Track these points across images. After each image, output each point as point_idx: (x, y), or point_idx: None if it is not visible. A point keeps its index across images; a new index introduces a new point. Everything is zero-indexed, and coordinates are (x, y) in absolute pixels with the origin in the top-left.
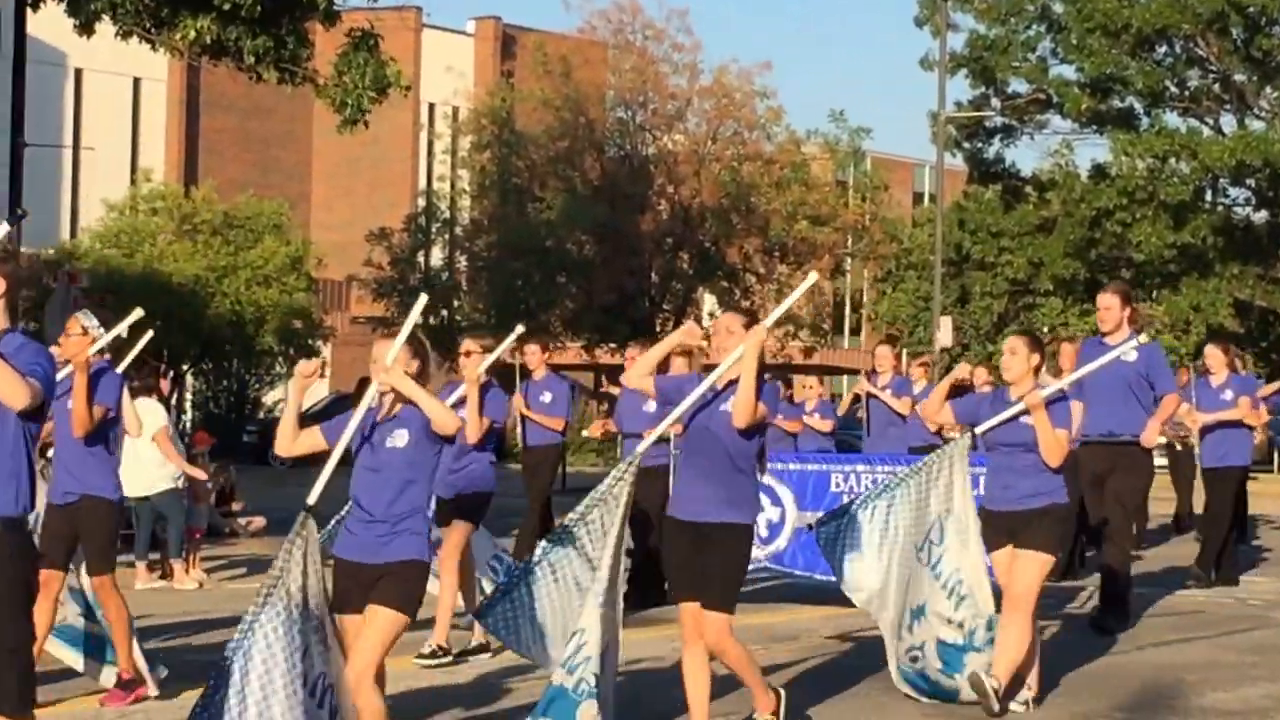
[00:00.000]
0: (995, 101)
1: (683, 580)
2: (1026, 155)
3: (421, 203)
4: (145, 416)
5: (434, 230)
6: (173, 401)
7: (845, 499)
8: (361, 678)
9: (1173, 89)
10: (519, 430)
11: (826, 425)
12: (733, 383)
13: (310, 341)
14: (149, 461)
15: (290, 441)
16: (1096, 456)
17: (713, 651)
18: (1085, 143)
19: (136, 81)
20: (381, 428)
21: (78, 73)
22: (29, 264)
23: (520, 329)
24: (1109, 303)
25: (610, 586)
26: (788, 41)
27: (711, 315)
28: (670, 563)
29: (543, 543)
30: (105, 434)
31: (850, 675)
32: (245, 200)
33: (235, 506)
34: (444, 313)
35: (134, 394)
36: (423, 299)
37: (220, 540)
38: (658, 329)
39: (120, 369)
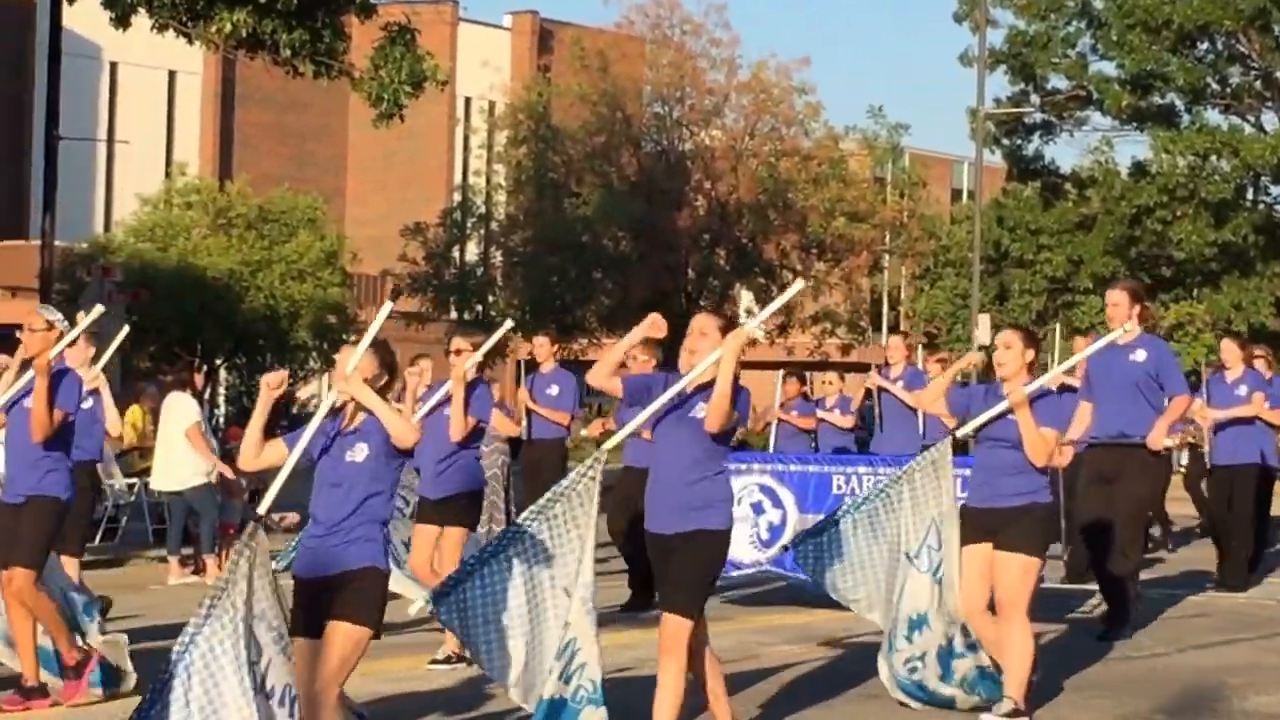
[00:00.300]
0: (1035, 98)
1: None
2: (1066, 152)
3: (457, 198)
4: (178, 411)
5: (469, 225)
6: (206, 396)
7: (847, 501)
8: (322, 697)
9: (1214, 86)
10: (524, 424)
11: (846, 421)
12: (703, 387)
13: (344, 336)
14: (181, 456)
15: (255, 455)
16: (1104, 458)
17: (662, 653)
18: (1125, 140)
19: (172, 75)
20: (342, 440)
21: (113, 66)
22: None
23: (509, 323)
24: (1117, 299)
25: (594, 591)
26: (826, 37)
27: (749, 312)
28: (656, 576)
29: (500, 535)
30: (63, 437)
31: (847, 679)
32: (280, 194)
33: None
34: (479, 308)
35: (168, 389)
36: (388, 305)
37: None
38: None
39: (99, 365)
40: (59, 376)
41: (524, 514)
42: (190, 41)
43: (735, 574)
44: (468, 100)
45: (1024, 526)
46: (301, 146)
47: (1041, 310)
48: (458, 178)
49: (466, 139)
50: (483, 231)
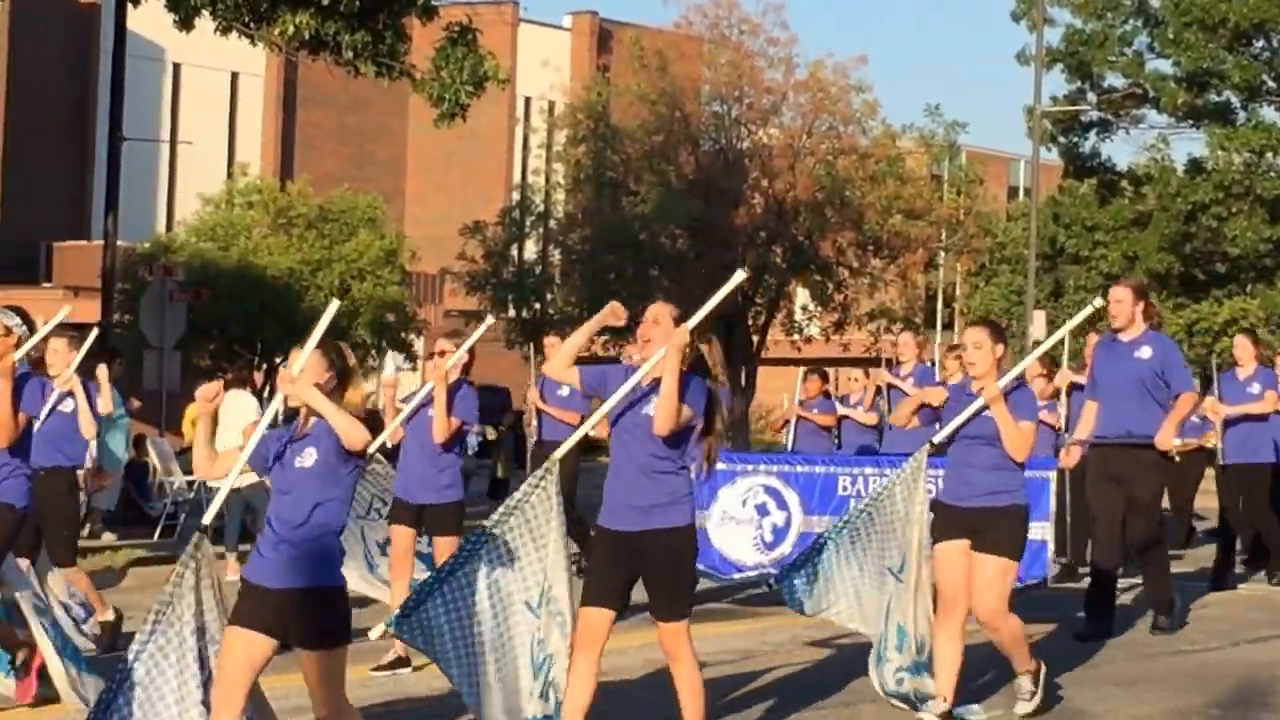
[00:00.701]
0: (1091, 96)
1: (598, 588)
2: (1122, 150)
3: (516, 197)
4: (237, 409)
5: (528, 224)
6: (265, 394)
7: (853, 502)
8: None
9: (1269, 83)
10: (534, 424)
11: (871, 418)
12: (659, 381)
13: (403, 334)
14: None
15: (208, 465)
16: (1111, 458)
17: (669, 659)
18: (1181, 137)
19: (234, 76)
20: (293, 446)
21: (176, 67)
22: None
23: (490, 319)
24: (1121, 296)
25: (568, 602)
26: (883, 36)
27: (804, 309)
28: (592, 567)
29: (458, 552)
30: (24, 443)
31: (847, 681)
32: (340, 194)
33: None
34: (537, 306)
35: (227, 386)
36: (334, 304)
37: None
38: (749, 322)
39: (72, 367)
40: (22, 380)
41: (481, 526)
42: (253, 43)
43: (738, 576)
44: (527, 100)
45: (1003, 528)
46: (362, 147)
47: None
48: (517, 177)
49: (526, 138)
50: (541, 230)
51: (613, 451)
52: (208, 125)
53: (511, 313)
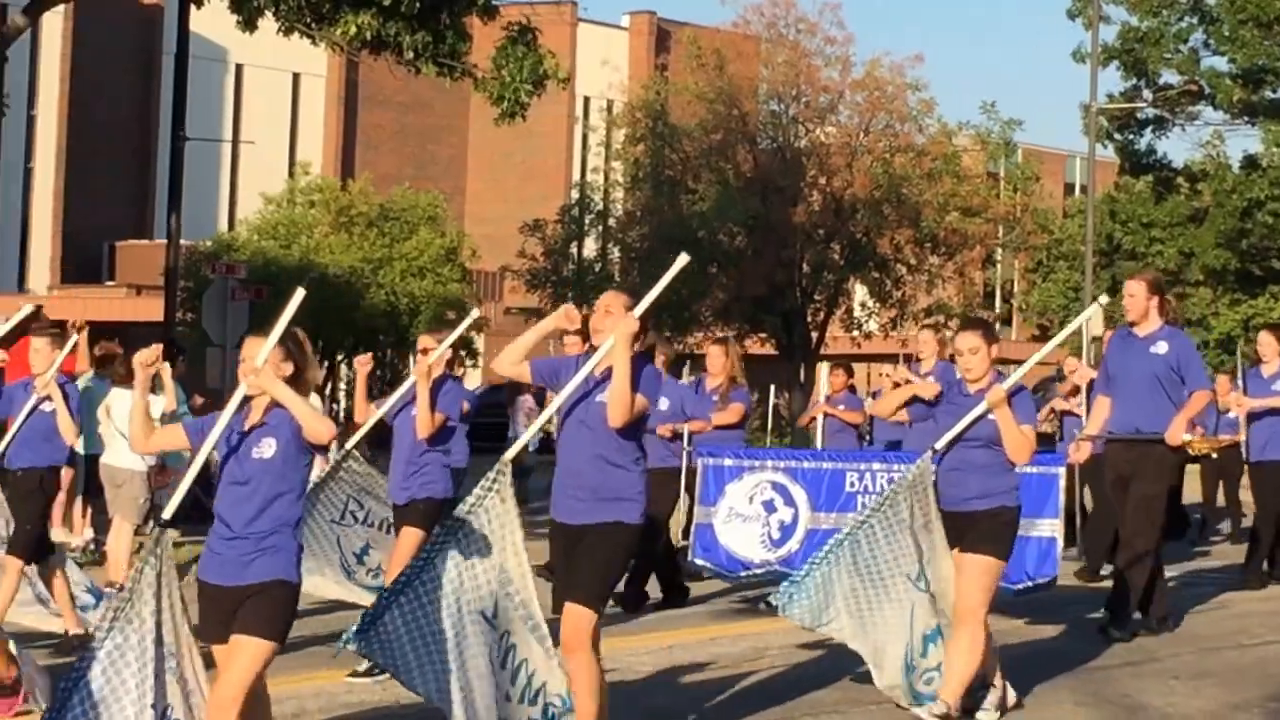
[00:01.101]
0: (1147, 93)
1: (564, 586)
2: (1178, 146)
3: (575, 195)
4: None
5: (587, 222)
6: (327, 391)
7: (860, 500)
8: (223, 712)
9: None
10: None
11: (902, 414)
12: (611, 371)
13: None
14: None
15: (144, 438)
16: (1123, 455)
17: (564, 649)
18: (1236, 134)
19: (296, 76)
20: (249, 437)
21: (238, 68)
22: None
23: (475, 313)
24: (1134, 290)
25: (537, 606)
26: (939, 34)
27: (863, 305)
28: (554, 566)
29: (412, 562)
30: None
31: (854, 683)
32: (401, 193)
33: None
34: (595, 303)
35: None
36: (299, 293)
37: None
38: (808, 319)
39: (50, 373)
40: None
41: (431, 537)
42: (315, 44)
43: (745, 574)
44: (586, 99)
45: (991, 529)
46: (422, 146)
47: None
48: (576, 175)
49: (585, 137)
50: (600, 228)
51: (561, 443)
52: (270, 125)
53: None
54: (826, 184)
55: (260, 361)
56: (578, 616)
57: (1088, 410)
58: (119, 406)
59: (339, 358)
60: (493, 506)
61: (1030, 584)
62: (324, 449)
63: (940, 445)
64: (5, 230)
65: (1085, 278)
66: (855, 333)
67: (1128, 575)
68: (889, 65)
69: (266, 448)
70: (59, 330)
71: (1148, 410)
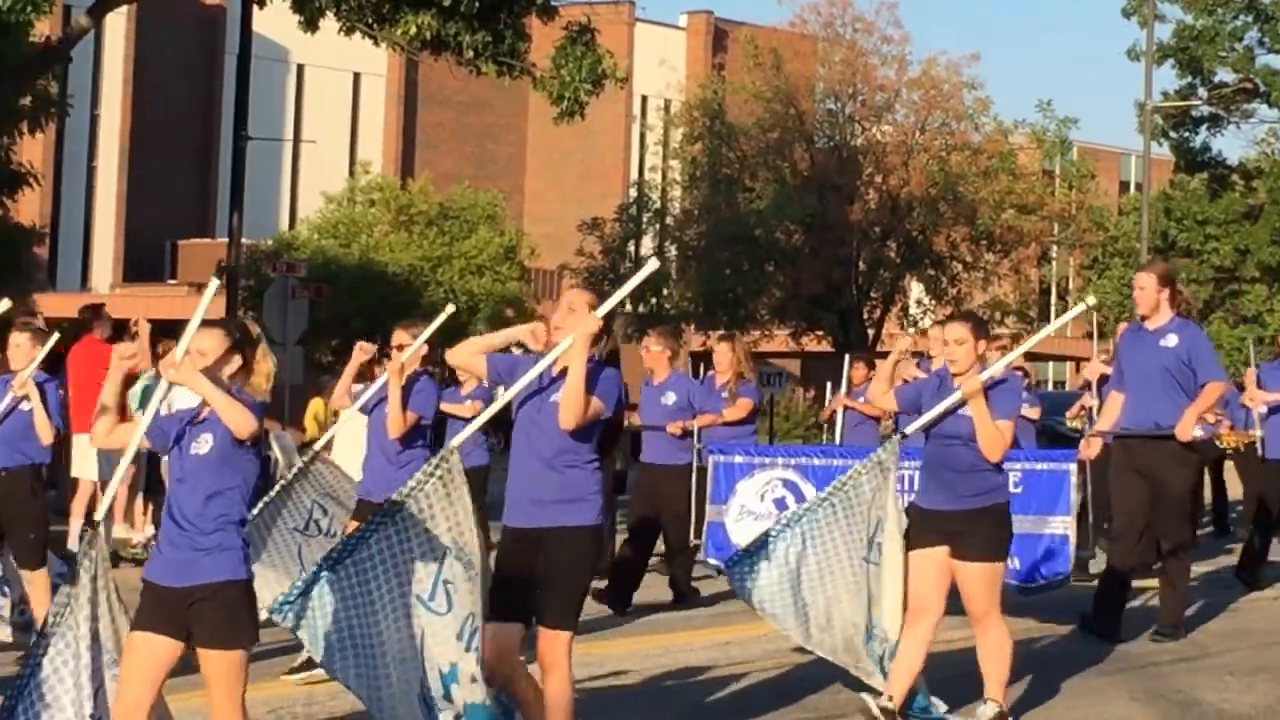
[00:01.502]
0: (1202, 91)
1: (500, 598)
2: (1233, 144)
3: (633, 194)
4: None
5: (645, 220)
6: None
7: (785, 515)
8: None
9: None
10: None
11: (891, 402)
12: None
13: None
14: (361, 446)
15: (106, 432)
16: (1136, 450)
17: (542, 669)
18: None
19: (357, 76)
20: (191, 431)
21: (299, 68)
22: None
23: (451, 308)
24: (1144, 283)
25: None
26: (995, 32)
27: (919, 303)
28: (496, 575)
29: (344, 541)
30: None
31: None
32: (460, 191)
33: None
34: (654, 301)
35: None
36: (214, 283)
37: None
38: (864, 317)
39: (28, 371)
40: None
41: (369, 520)
42: (376, 43)
43: None
44: (644, 99)
45: (983, 531)
46: (481, 145)
47: (1208, 299)
48: (634, 174)
49: (643, 136)
50: (658, 226)
51: (515, 442)
52: (330, 124)
53: (629, 308)
54: (883, 182)
55: (179, 354)
56: (554, 641)
57: (1100, 404)
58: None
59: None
60: (434, 491)
61: (1042, 582)
62: (256, 444)
63: (910, 430)
64: (69, 229)
65: None
66: (911, 330)
67: (1170, 577)
68: (945, 64)
69: (204, 443)
70: (45, 326)
71: (1161, 405)
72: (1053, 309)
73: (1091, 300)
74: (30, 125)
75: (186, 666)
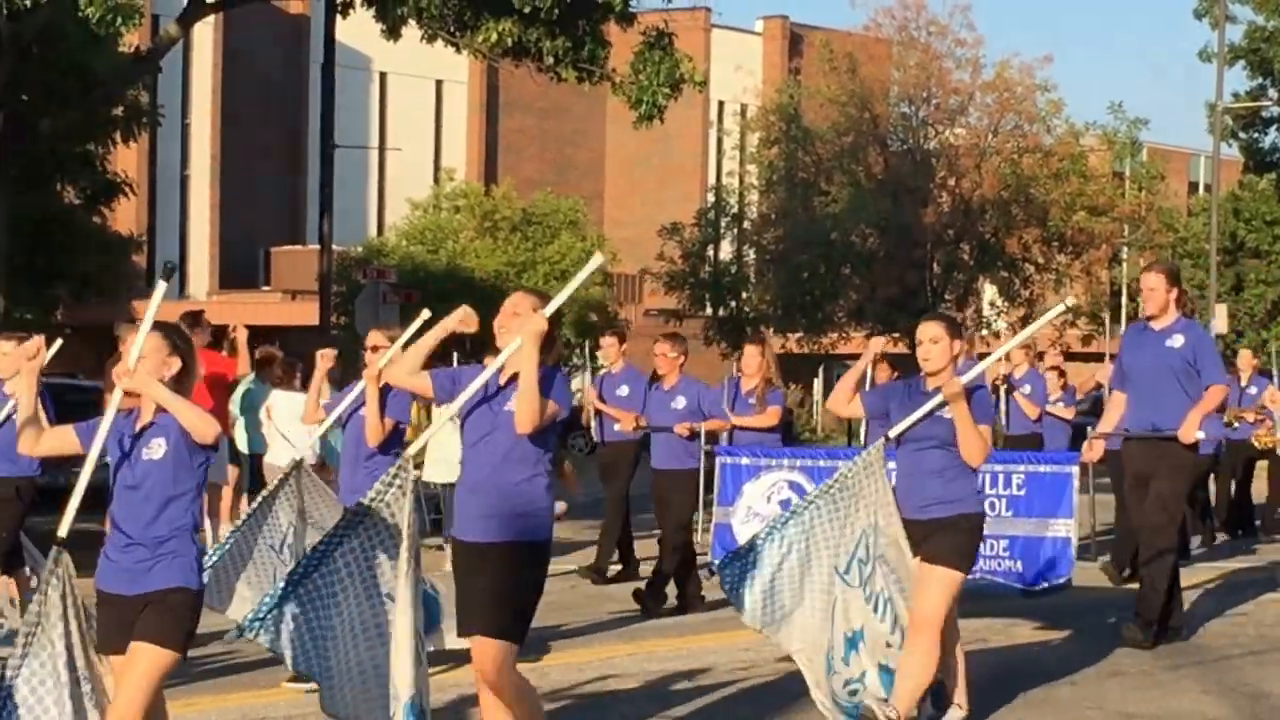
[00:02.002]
0: (1272, 92)
1: (464, 613)
2: None
3: (711, 198)
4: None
5: (723, 224)
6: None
7: (774, 517)
8: None
9: None
10: (594, 425)
11: (857, 408)
12: (516, 377)
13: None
14: (454, 447)
15: (33, 441)
16: (1139, 454)
17: (489, 688)
18: None
19: (439, 84)
20: (140, 438)
21: (383, 76)
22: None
23: (426, 313)
24: (1153, 283)
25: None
26: (1067, 34)
27: (992, 304)
28: (457, 592)
29: (309, 555)
30: None
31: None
32: (542, 197)
33: None
34: (733, 304)
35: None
36: (161, 286)
37: None
38: None
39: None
40: None
41: (329, 531)
42: (458, 51)
43: None
44: (720, 104)
45: (950, 538)
46: (562, 151)
47: (1276, 299)
48: (711, 179)
49: (720, 141)
50: (736, 230)
51: (465, 456)
52: (414, 131)
53: (709, 311)
54: (956, 185)
55: (132, 360)
56: (495, 652)
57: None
58: (280, 407)
59: (485, 360)
60: (394, 500)
61: (1045, 585)
62: (215, 449)
63: (893, 434)
64: (164, 237)
65: (1210, 275)
66: (984, 332)
67: (1150, 576)
68: (1019, 66)
69: (156, 448)
70: (25, 332)
71: (1166, 407)
72: (1124, 311)
73: (1071, 302)
74: (123, 135)
75: (183, 674)
